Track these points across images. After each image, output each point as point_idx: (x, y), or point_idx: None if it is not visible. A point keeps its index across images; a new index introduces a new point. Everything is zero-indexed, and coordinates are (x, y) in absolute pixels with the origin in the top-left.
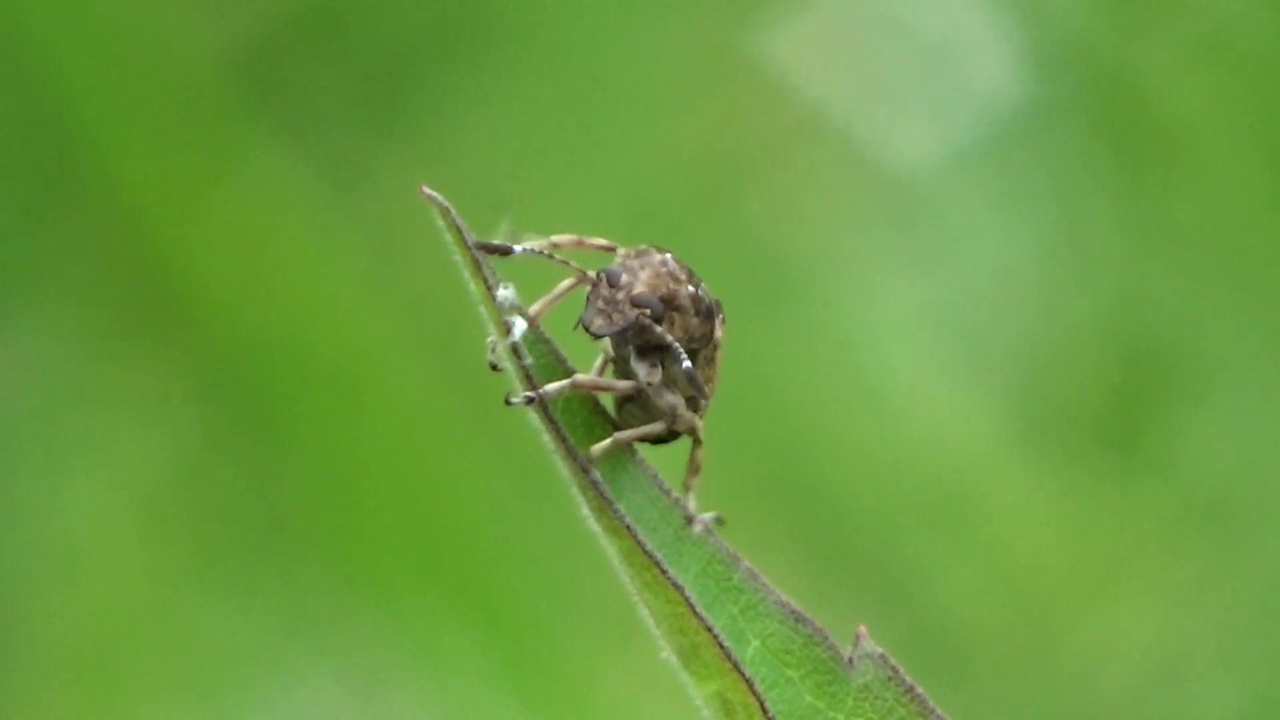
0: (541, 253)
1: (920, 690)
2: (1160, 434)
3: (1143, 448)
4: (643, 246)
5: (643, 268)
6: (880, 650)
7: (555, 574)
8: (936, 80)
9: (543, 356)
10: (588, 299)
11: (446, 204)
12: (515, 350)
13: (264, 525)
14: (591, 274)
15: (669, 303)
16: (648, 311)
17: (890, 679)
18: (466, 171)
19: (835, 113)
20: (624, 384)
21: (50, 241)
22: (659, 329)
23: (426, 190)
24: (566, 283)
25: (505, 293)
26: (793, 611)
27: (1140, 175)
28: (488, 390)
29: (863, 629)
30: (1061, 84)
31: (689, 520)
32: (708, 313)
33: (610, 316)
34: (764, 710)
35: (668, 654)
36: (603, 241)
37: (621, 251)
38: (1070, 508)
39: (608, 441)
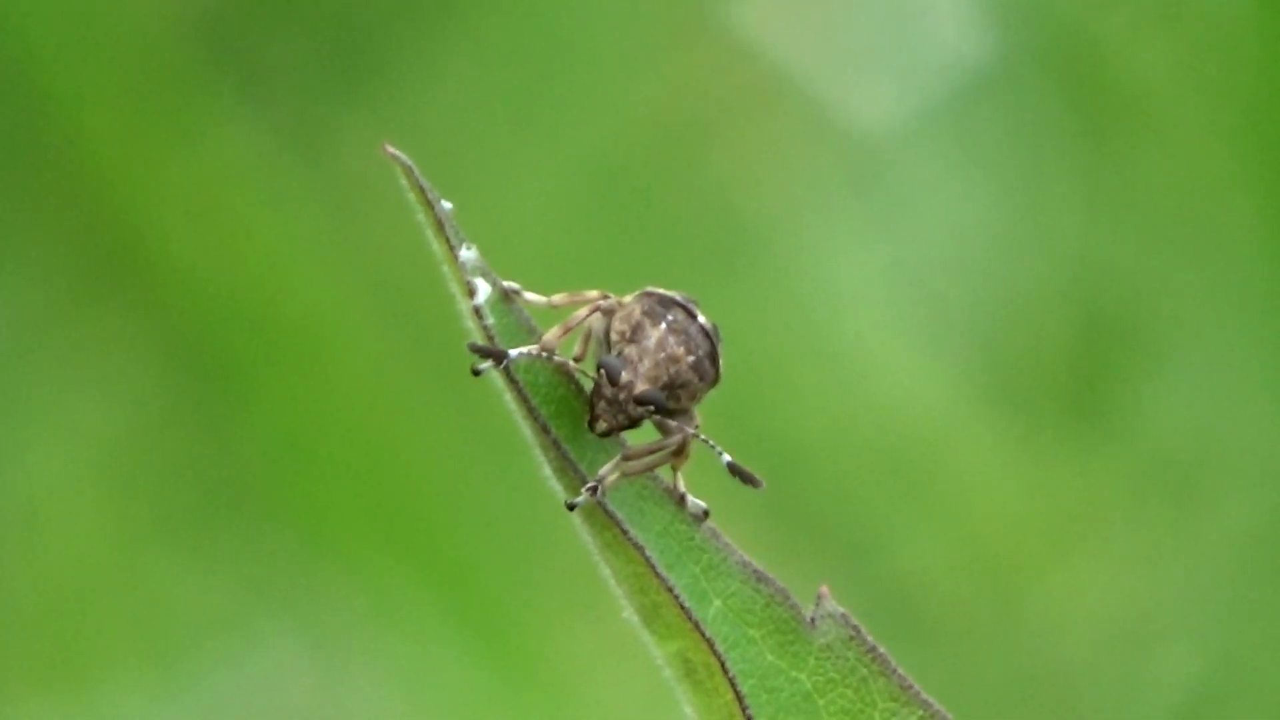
0: (537, 355)
1: (882, 650)
2: (1121, 396)
3: (1103, 410)
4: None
5: (642, 357)
6: (842, 610)
7: (518, 537)
8: (898, 42)
9: (505, 317)
10: (590, 398)
11: (410, 163)
12: (478, 313)
13: (225, 488)
14: (604, 303)
15: (672, 387)
16: (652, 409)
17: (852, 639)
18: (428, 135)
19: (797, 74)
20: (673, 442)
21: (10, 204)
22: (668, 411)
23: (390, 149)
24: (581, 313)
25: (469, 254)
26: (754, 571)
27: (1102, 138)
28: (450, 353)
29: (824, 589)
30: (1023, 46)
31: (681, 500)
32: (711, 357)
33: (616, 417)
34: (725, 670)
35: (629, 614)
36: (595, 294)
37: (624, 304)
38: (1031, 469)
39: (615, 474)
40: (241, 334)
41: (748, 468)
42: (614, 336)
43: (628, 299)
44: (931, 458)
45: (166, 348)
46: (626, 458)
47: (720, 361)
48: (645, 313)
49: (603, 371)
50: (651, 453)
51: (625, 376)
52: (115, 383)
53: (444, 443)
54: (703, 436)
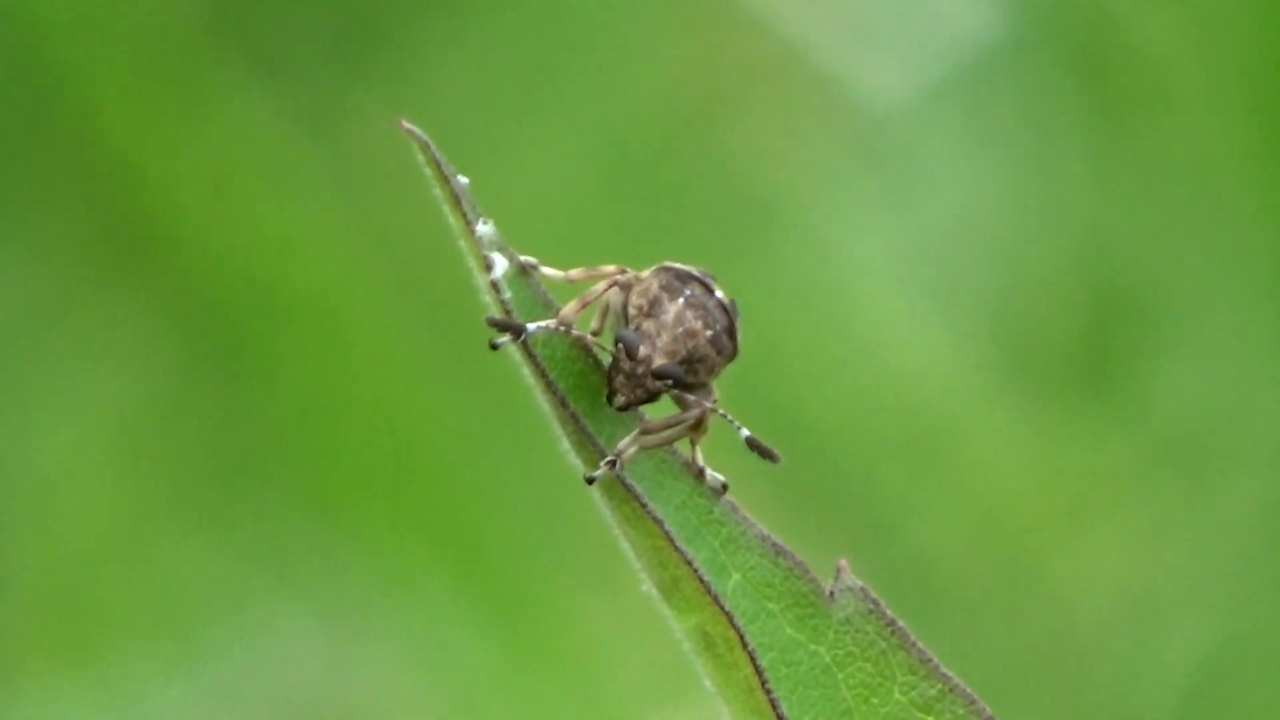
0: (555, 330)
1: (901, 623)
2: (1133, 372)
3: (1115, 385)
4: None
5: (660, 331)
6: (861, 584)
7: (535, 512)
8: (909, 17)
9: (523, 291)
10: (609, 372)
11: (426, 138)
12: (495, 287)
13: (239, 464)
14: (622, 277)
15: (690, 361)
16: (670, 382)
17: (871, 612)
18: (442, 111)
19: (809, 50)
20: (691, 416)
21: (25, 178)
22: (686, 385)
23: (406, 125)
24: (599, 288)
25: (485, 228)
26: (774, 545)
27: (1113, 113)
28: (466, 329)
29: (844, 563)
30: (1034, 21)
31: (700, 474)
32: (729, 331)
33: (634, 391)
34: (744, 643)
35: (648, 588)
36: (613, 269)
37: (641, 279)
38: (1044, 445)
39: (634, 448)
40: (256, 310)
41: (765, 442)
42: (631, 311)
43: (645, 274)
44: (945, 433)
45: (181, 325)
46: (645, 432)
47: (738, 336)
48: (663, 287)
49: (621, 346)
50: (669, 427)
51: (643, 351)
52: (130, 359)
53: (460, 418)
54: (721, 411)
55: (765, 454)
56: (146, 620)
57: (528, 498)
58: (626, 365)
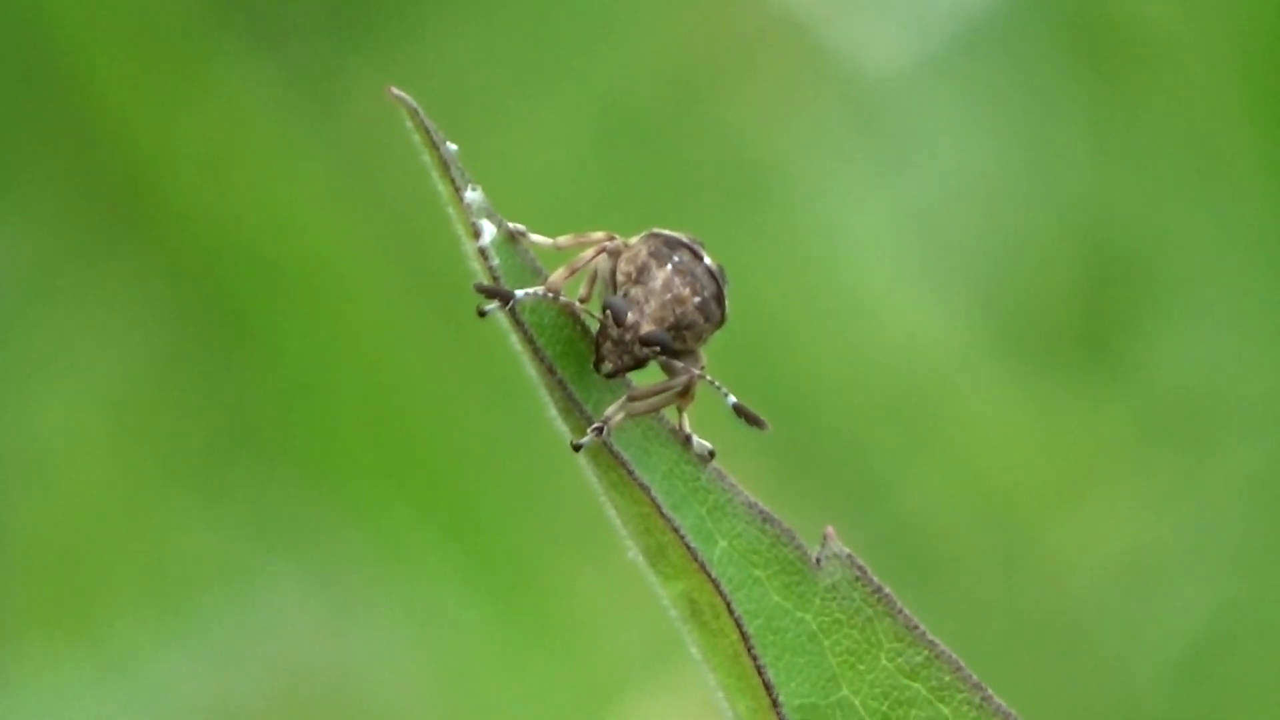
0: (543, 296)
1: (888, 590)
2: (1130, 340)
3: (1112, 353)
4: (646, 246)
5: (648, 298)
6: (848, 551)
7: (526, 478)
8: None
9: (511, 258)
10: (597, 338)
11: (415, 105)
12: (483, 254)
13: (234, 431)
14: (610, 244)
15: (678, 328)
16: (658, 349)
17: (858, 579)
18: (438, 79)
19: (805, 19)
20: (678, 383)
21: (21, 146)
22: (674, 352)
23: (395, 91)
24: (587, 254)
25: (474, 195)
26: (760, 512)
27: (1111, 80)
28: (458, 296)
29: (830, 530)
30: None
31: (687, 441)
32: (717, 298)
33: (621, 358)
34: (730, 610)
35: (634, 554)
36: (601, 235)
37: (629, 246)
38: (1039, 412)
39: (620, 415)
40: (251, 278)
41: (753, 409)
42: (620, 278)
43: (634, 240)
44: (939, 400)
45: (176, 292)
46: (632, 398)
47: (726, 303)
48: (651, 254)
49: (608, 312)
50: (657, 393)
51: (631, 317)
52: (125, 328)
53: (452, 385)
54: (708, 378)
55: (753, 421)
56: (142, 588)
57: (520, 463)
58: (614, 332)
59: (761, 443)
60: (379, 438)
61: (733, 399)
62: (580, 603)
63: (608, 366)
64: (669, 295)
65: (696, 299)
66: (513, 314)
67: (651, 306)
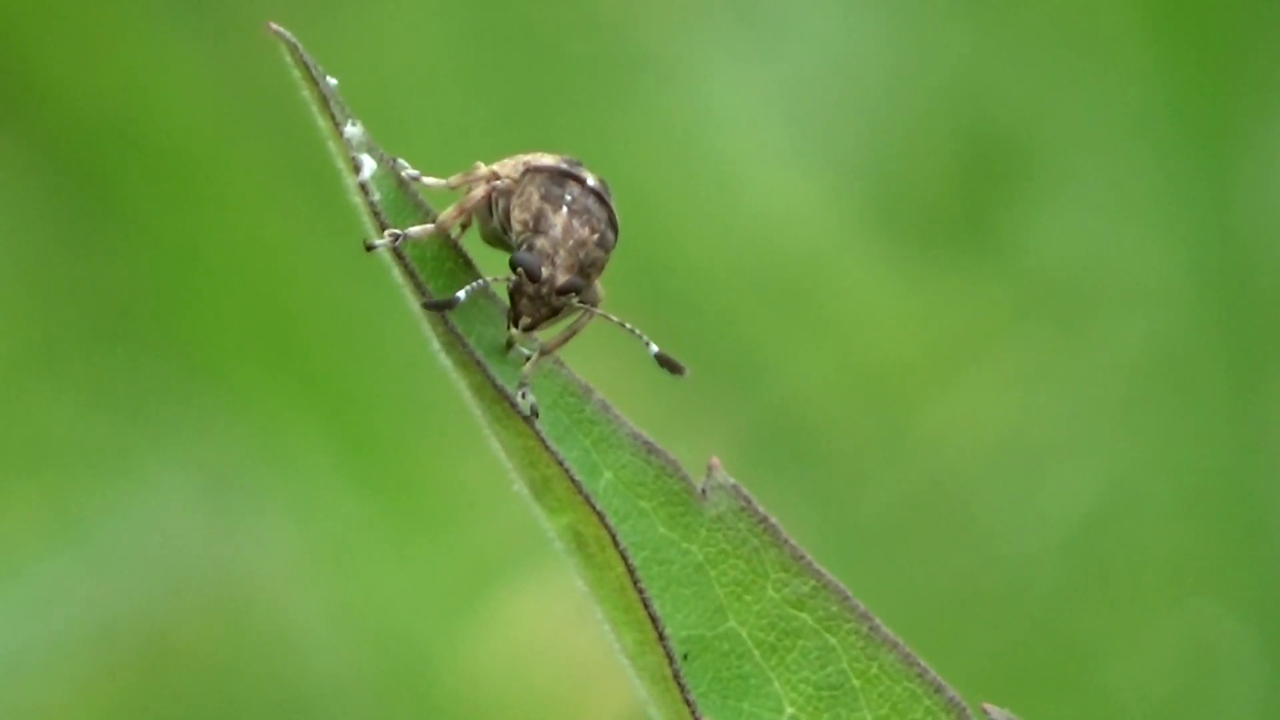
0: (483, 287)
1: (774, 520)
2: (1006, 219)
3: (988, 233)
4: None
5: (556, 249)
6: (733, 481)
7: (408, 368)
8: None
9: (392, 192)
10: (511, 296)
11: (294, 40)
12: (364, 188)
13: (108, 316)
14: (500, 184)
15: (584, 267)
16: (574, 295)
17: (743, 509)
18: None
19: None
20: (479, 193)
21: None
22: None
23: (274, 27)
24: (477, 193)
25: (354, 130)
26: (645, 443)
27: None
28: (336, 184)
29: (715, 460)
30: None
31: (522, 386)
32: (610, 222)
33: (539, 310)
34: (615, 543)
35: (520, 488)
36: (485, 171)
37: (518, 184)
38: (917, 292)
39: (536, 355)
40: (127, 162)
41: (674, 356)
42: (517, 227)
43: (509, 168)
44: (817, 282)
45: (50, 175)
46: (544, 352)
47: (617, 220)
48: (544, 198)
49: (521, 270)
50: (565, 340)
51: (545, 272)
52: None
53: (328, 272)
54: (629, 326)
55: (674, 368)
56: (17, 473)
57: (402, 353)
58: (530, 288)
59: (636, 320)
60: (258, 324)
61: (655, 348)
62: (461, 492)
63: (526, 321)
64: (572, 240)
65: (595, 236)
66: (395, 252)
67: (561, 256)
